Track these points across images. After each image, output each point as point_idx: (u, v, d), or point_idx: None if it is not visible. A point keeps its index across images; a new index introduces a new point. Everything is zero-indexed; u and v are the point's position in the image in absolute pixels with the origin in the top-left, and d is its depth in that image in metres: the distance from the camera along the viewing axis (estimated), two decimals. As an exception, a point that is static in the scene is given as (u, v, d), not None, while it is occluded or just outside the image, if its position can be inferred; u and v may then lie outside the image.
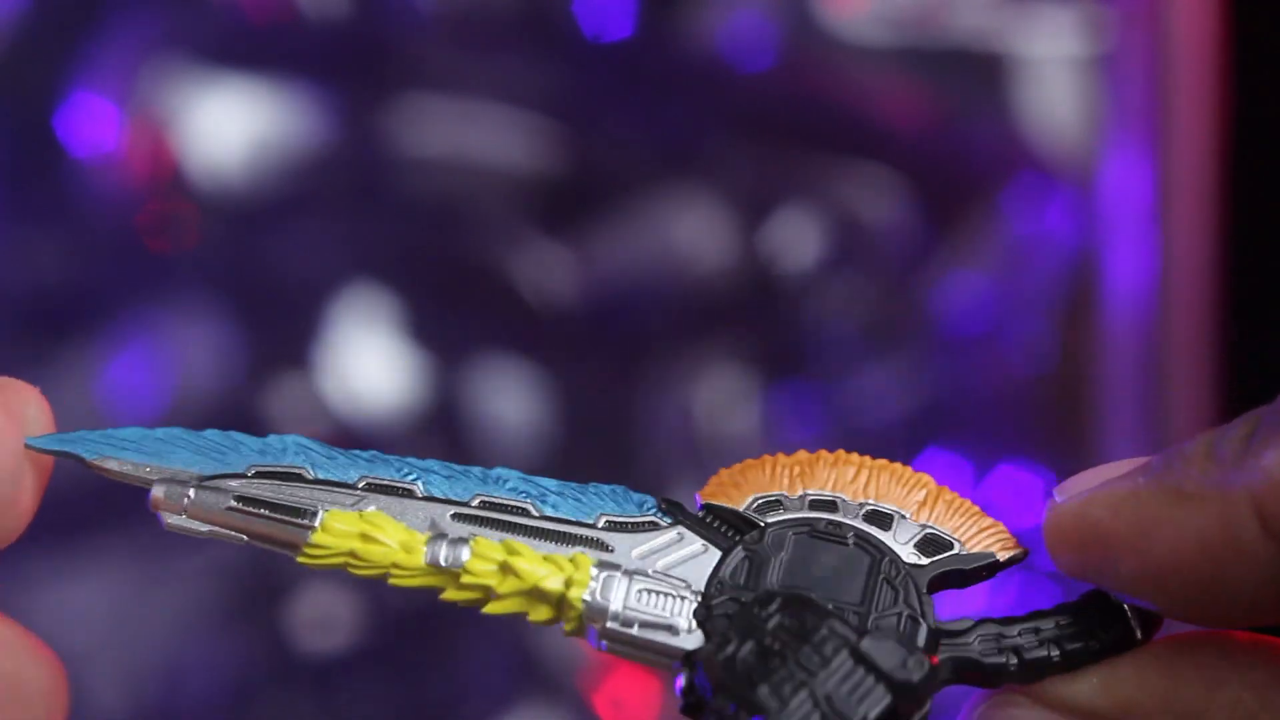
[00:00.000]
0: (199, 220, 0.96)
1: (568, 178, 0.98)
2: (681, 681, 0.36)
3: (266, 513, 0.38)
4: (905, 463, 0.36)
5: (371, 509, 0.37)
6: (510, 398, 0.97)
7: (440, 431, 0.97)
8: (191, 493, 0.38)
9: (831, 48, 0.98)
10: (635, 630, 0.36)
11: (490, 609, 0.36)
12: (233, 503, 0.38)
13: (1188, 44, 0.93)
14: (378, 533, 0.37)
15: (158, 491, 0.38)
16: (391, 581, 0.37)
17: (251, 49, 0.97)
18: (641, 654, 0.36)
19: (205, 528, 0.38)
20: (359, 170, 0.97)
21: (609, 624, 0.36)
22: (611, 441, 0.98)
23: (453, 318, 0.96)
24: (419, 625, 0.96)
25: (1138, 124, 0.95)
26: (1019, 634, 0.34)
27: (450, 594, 0.36)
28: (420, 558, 0.36)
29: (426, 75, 0.97)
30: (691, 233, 0.98)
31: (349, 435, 0.96)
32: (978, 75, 0.98)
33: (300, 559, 0.38)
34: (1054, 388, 0.98)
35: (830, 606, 0.35)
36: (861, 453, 0.37)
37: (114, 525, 0.94)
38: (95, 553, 0.95)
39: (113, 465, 0.38)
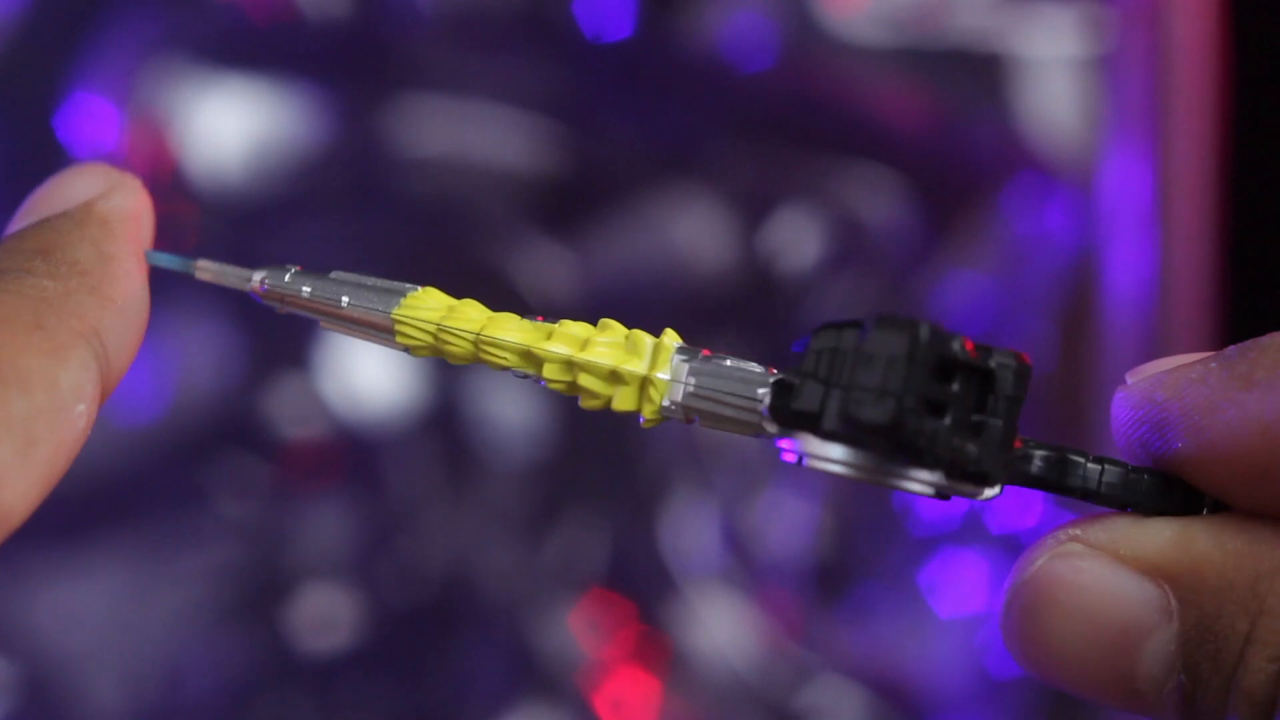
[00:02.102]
0: (199, 220, 0.96)
1: (568, 178, 0.98)
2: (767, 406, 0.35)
3: (350, 300, 0.39)
4: None
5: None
6: (510, 398, 0.97)
7: (440, 431, 0.97)
8: (287, 278, 0.39)
9: (831, 48, 0.98)
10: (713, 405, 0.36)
11: (584, 402, 0.37)
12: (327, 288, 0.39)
13: (1188, 44, 0.93)
14: (466, 307, 0.38)
15: (256, 277, 0.39)
16: (482, 358, 0.38)
17: (251, 49, 0.97)
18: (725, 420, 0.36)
19: (304, 310, 0.39)
20: (359, 170, 0.97)
21: (687, 404, 0.36)
22: (612, 441, 0.98)
23: (453, 318, 0.96)
24: (419, 625, 0.96)
25: (1138, 124, 0.95)
26: (1085, 464, 0.34)
27: (546, 374, 0.37)
28: (508, 329, 0.38)
29: (426, 75, 0.97)
30: (691, 233, 0.98)
31: (349, 435, 0.96)
32: (978, 75, 0.98)
33: (398, 338, 0.38)
34: (1054, 388, 0.98)
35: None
36: None
37: (114, 525, 0.94)
38: (95, 553, 0.95)
39: (209, 272, 0.40)
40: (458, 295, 0.41)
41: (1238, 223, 0.94)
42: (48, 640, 0.94)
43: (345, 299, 0.38)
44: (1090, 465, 0.34)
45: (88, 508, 0.93)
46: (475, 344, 0.38)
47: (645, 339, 0.37)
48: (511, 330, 0.38)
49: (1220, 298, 0.94)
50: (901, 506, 0.95)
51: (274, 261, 0.41)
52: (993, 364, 0.34)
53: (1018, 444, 0.35)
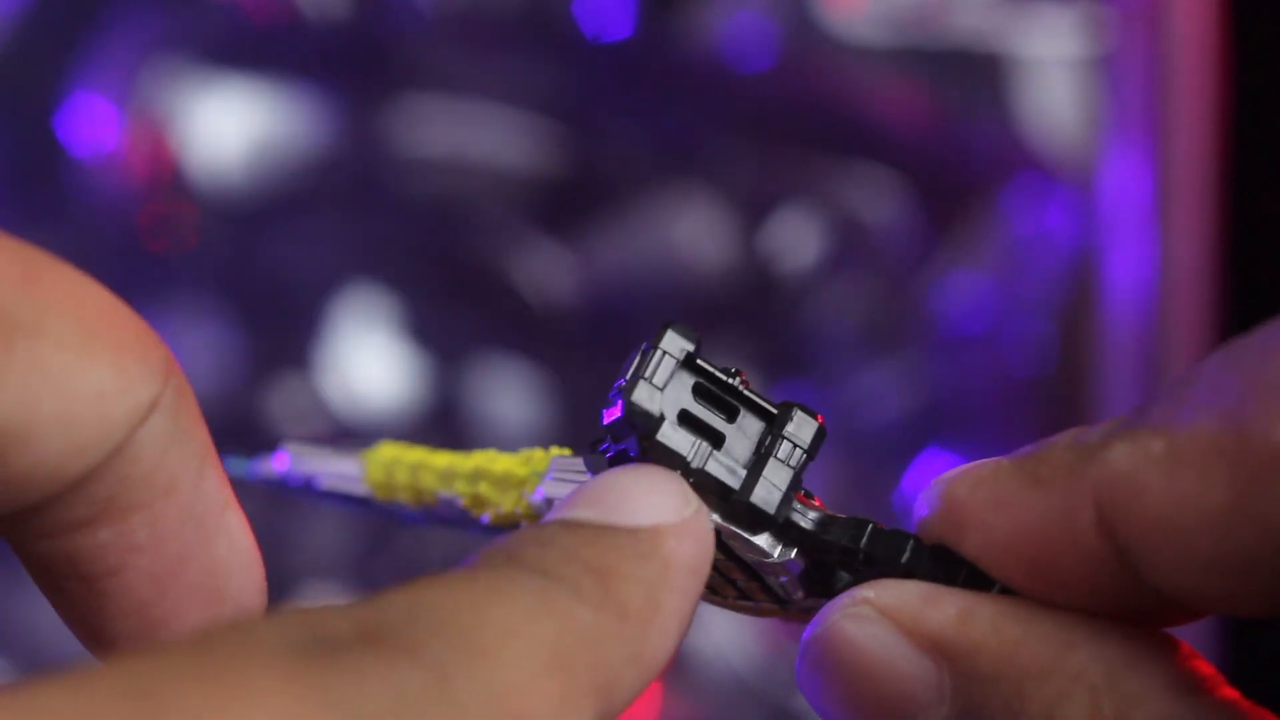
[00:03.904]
0: (199, 220, 0.96)
1: (568, 178, 0.98)
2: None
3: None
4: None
5: None
6: (510, 397, 0.97)
7: (440, 431, 0.97)
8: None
9: (831, 48, 0.98)
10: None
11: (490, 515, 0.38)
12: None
13: (1188, 44, 0.93)
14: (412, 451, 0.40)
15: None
16: (419, 484, 0.39)
17: (251, 49, 0.97)
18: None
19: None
20: (359, 170, 0.97)
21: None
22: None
23: (453, 318, 0.96)
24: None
25: (1138, 124, 0.95)
26: (872, 533, 0.34)
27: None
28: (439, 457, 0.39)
29: (426, 75, 0.97)
30: (691, 233, 0.98)
31: (349, 435, 0.96)
32: (978, 75, 0.98)
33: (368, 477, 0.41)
34: (1054, 388, 0.98)
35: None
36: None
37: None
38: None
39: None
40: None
41: (1238, 223, 0.94)
42: (48, 640, 0.94)
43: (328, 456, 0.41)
44: (884, 531, 0.34)
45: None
46: (413, 470, 0.39)
47: (540, 452, 0.37)
48: (440, 458, 0.39)
49: (1220, 298, 0.94)
50: (901, 505, 0.95)
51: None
52: (777, 409, 0.34)
53: (816, 502, 0.34)
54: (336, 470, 0.41)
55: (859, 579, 0.34)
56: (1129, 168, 0.95)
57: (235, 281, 0.96)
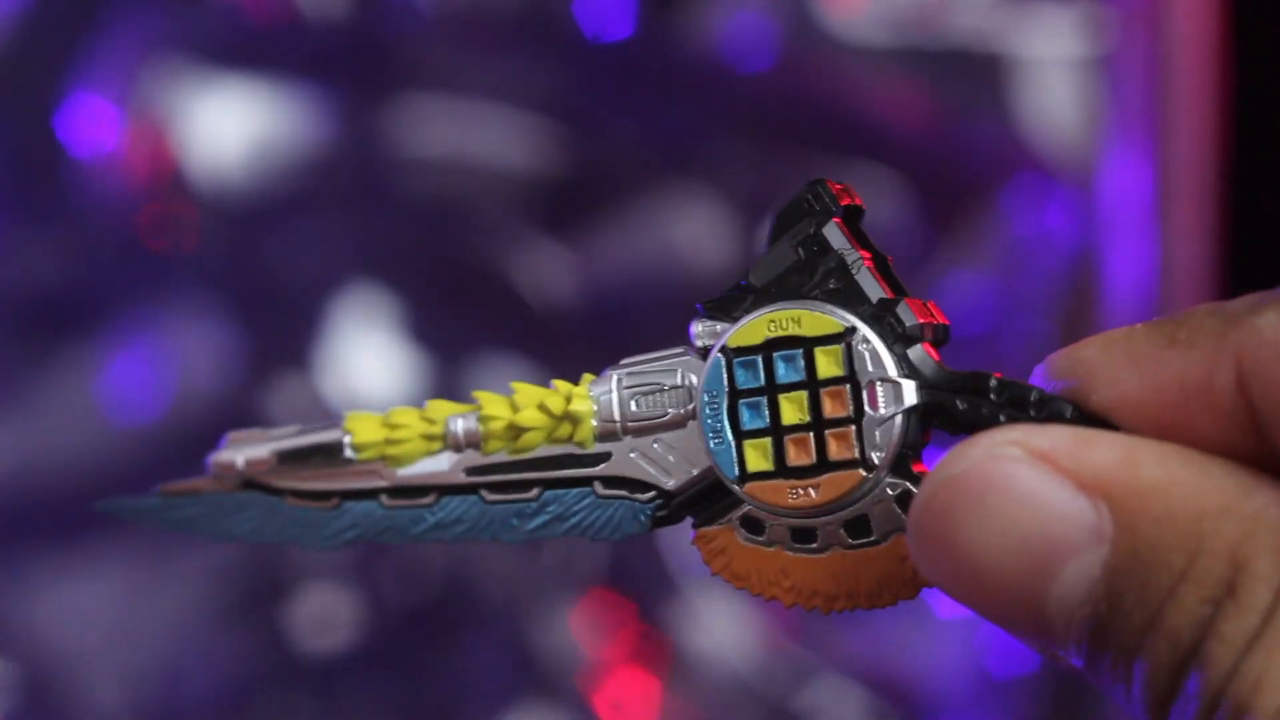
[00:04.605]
0: (199, 220, 0.96)
1: (568, 178, 0.98)
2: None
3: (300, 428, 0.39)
4: None
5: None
6: (510, 398, 0.97)
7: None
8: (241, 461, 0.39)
9: (831, 48, 0.98)
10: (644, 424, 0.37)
11: (525, 441, 0.37)
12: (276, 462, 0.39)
13: (1188, 44, 0.93)
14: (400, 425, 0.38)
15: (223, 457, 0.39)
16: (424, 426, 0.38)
17: (251, 49, 0.97)
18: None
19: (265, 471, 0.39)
20: (359, 170, 0.97)
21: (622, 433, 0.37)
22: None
23: (453, 318, 0.96)
24: (419, 625, 0.96)
25: (1138, 124, 0.95)
26: (999, 381, 0.34)
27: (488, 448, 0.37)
28: (441, 426, 0.38)
29: (426, 75, 0.97)
30: (691, 233, 0.98)
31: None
32: (978, 75, 0.98)
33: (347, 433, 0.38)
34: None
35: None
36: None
37: (114, 525, 0.94)
38: (95, 553, 0.95)
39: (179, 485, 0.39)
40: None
41: (1238, 223, 0.94)
42: (48, 640, 0.94)
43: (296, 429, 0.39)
44: (1008, 381, 0.34)
45: (87, 508, 0.93)
46: (414, 410, 0.38)
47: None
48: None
49: (1220, 298, 0.94)
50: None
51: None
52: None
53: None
54: (309, 441, 0.39)
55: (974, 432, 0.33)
56: (1129, 168, 0.95)
57: (235, 281, 0.96)
